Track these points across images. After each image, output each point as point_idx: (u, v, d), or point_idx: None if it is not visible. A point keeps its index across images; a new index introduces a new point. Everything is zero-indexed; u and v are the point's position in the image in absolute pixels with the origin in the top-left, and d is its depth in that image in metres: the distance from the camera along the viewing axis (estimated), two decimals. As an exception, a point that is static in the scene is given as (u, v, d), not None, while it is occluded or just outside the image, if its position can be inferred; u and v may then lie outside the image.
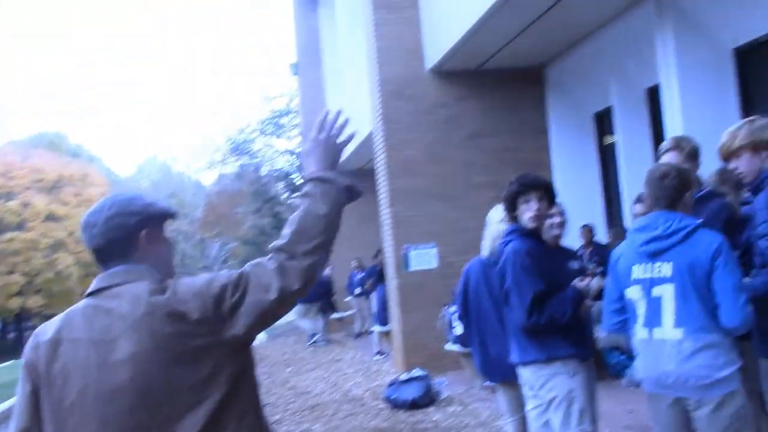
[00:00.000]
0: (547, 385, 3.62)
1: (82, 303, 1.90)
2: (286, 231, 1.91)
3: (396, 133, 9.78)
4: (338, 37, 16.11)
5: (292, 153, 25.77)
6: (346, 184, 2.01)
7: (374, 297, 12.55)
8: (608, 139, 9.76)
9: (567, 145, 10.01)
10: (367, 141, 11.89)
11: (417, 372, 7.77)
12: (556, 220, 3.91)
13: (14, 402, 1.95)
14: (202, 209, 38.76)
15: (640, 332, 3.20)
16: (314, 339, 14.95)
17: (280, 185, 26.48)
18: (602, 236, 9.45)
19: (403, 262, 9.59)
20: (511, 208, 3.76)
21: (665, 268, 3.09)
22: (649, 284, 3.14)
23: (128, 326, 1.78)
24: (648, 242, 3.14)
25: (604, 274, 3.60)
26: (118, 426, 1.74)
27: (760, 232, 3.09)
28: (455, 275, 8.70)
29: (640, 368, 3.28)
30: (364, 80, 11.21)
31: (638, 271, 3.19)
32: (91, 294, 1.90)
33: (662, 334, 3.09)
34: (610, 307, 3.36)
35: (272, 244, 1.92)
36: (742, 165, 3.31)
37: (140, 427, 1.74)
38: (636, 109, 8.59)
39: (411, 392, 7.48)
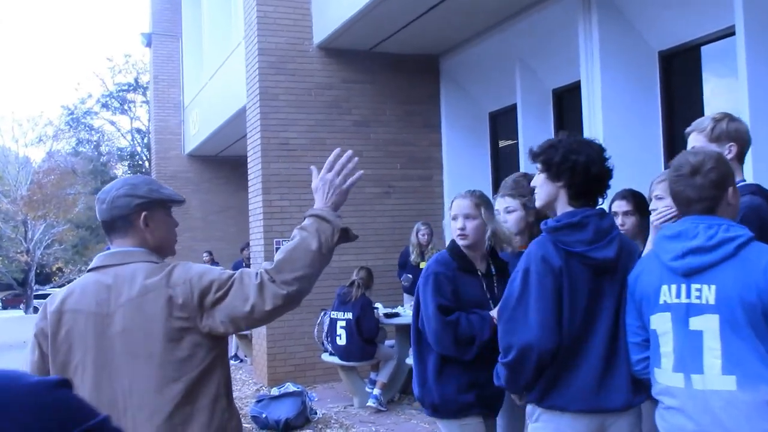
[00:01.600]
0: None
1: (84, 277, 2.16)
2: (277, 257, 2.10)
3: (274, 111, 8.62)
4: (204, 4, 14.65)
5: (139, 132, 23.64)
6: (342, 227, 2.17)
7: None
8: (506, 141, 9.16)
9: (459, 144, 9.30)
10: (238, 118, 10.66)
11: (290, 387, 6.66)
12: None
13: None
14: (27, 187, 35.09)
15: (668, 378, 2.32)
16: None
17: (123, 166, 24.21)
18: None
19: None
20: None
21: (707, 293, 2.24)
22: (684, 313, 2.27)
23: (123, 303, 2.04)
24: (683, 255, 2.28)
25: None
26: (109, 390, 2.00)
27: None
28: (335, 276, 7.80)
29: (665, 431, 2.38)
30: (240, 51, 9.97)
31: (668, 294, 2.34)
32: (92, 270, 2.14)
33: (705, 383, 2.22)
34: (630, 339, 2.51)
35: (264, 264, 2.09)
36: None
37: (125, 392, 2.00)
38: (542, 110, 8.01)
39: (283, 411, 6.36)
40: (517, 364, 2.49)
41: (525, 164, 7.88)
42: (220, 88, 12.74)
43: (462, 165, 9.24)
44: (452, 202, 3.36)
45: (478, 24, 8.13)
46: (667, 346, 2.31)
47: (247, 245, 10.59)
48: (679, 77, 6.55)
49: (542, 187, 2.59)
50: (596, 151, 2.55)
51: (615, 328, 2.50)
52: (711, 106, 6.30)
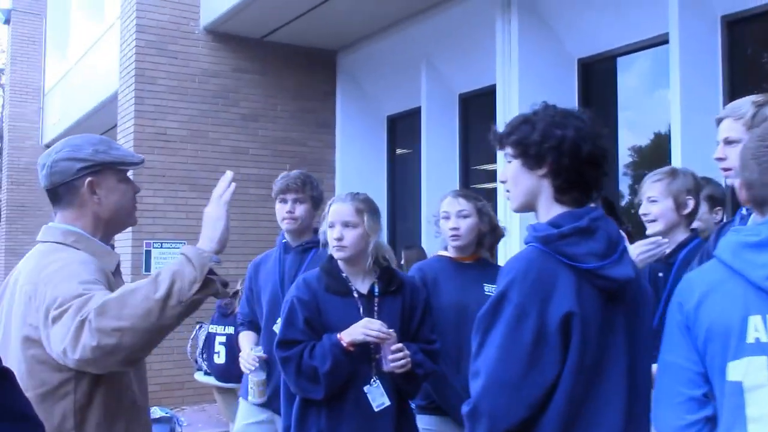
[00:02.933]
0: None
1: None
2: (112, 295, 1.68)
3: (151, 97, 7.65)
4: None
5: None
6: (207, 278, 1.71)
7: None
8: (406, 147, 8.62)
9: (355, 147, 8.66)
10: (108, 106, 9.57)
11: (158, 411, 5.72)
12: None
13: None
14: None
15: None
16: None
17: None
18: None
19: (144, 262, 7.44)
20: None
21: None
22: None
23: (15, 291, 1.84)
24: None
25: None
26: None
27: None
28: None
29: None
30: (115, 32, 8.92)
31: (763, 330, 1.56)
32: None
33: None
34: (677, 392, 1.68)
35: (100, 296, 1.69)
36: None
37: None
38: (447, 116, 7.53)
39: (147, 440, 5.43)
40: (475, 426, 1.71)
41: (427, 173, 7.37)
42: (88, 72, 11.51)
43: (356, 170, 8.60)
44: (329, 206, 2.77)
45: (382, 19, 7.55)
46: (759, 406, 1.55)
47: (112, 248, 9.45)
48: (597, 86, 6.24)
49: (517, 180, 1.83)
50: (587, 124, 1.80)
51: (631, 377, 1.75)
52: (625, 117, 6.06)
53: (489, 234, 3.00)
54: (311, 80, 8.57)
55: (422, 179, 7.45)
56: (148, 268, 7.41)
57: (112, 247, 8.76)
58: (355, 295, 2.69)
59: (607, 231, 1.76)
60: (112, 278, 1.95)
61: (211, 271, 1.76)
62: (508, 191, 1.89)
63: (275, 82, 8.34)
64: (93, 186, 1.91)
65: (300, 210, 3.33)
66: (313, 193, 3.39)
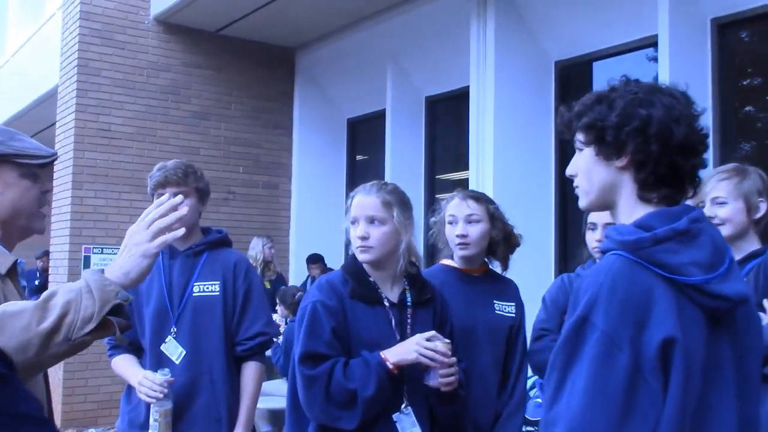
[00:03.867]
0: None
1: None
2: None
3: (94, 90, 7.07)
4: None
5: None
6: (106, 318, 1.39)
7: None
8: (368, 152, 8.21)
9: (314, 151, 8.20)
10: (46, 102, 8.92)
11: (93, 435, 5.18)
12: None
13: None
14: None
15: None
16: None
17: None
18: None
19: (82, 269, 6.82)
20: None
21: None
22: None
23: None
24: None
25: None
26: None
27: None
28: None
29: None
30: (56, 23, 8.31)
31: None
32: None
33: None
34: None
35: None
36: None
37: None
38: (413, 119, 7.15)
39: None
40: None
41: (390, 180, 6.96)
42: (24, 67, 10.79)
43: (315, 175, 8.15)
44: (351, 198, 2.32)
45: (346, 15, 7.14)
46: None
47: (46, 253, 8.75)
48: (575, 89, 5.94)
49: (590, 172, 1.45)
50: (680, 101, 1.40)
51: (741, 427, 1.36)
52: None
53: (502, 243, 2.59)
54: (268, 79, 8.09)
55: (386, 185, 7.05)
56: (86, 276, 6.81)
57: (47, 253, 8.06)
58: (386, 303, 2.26)
59: (712, 236, 1.36)
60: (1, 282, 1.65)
61: (114, 309, 1.41)
62: (577, 186, 1.48)
63: (230, 79, 7.84)
64: None
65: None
66: (198, 184, 2.85)
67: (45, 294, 1.43)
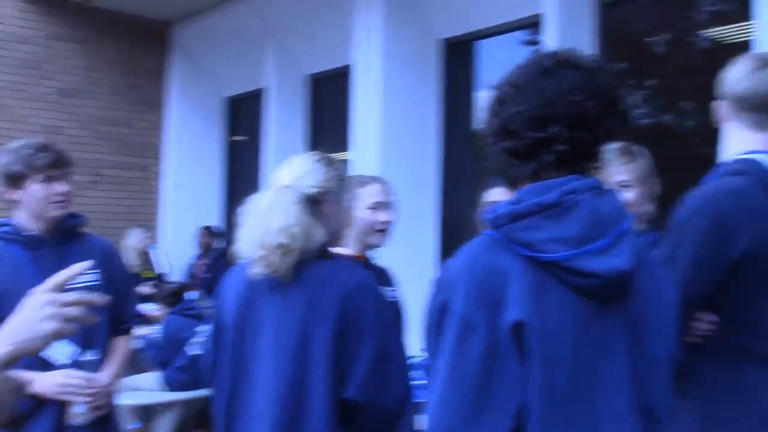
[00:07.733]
0: None
1: None
2: None
3: (-56, 64, 6.47)
4: None
5: None
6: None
7: None
8: (247, 132, 7.96)
9: (187, 131, 7.84)
10: None
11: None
12: None
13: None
14: None
15: None
16: None
17: None
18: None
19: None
20: None
21: None
22: None
23: None
24: None
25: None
26: None
27: None
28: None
29: None
30: None
31: None
32: None
33: None
34: None
35: None
36: None
37: None
38: (295, 98, 6.98)
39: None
40: None
41: (270, 160, 6.79)
42: None
43: (188, 155, 7.80)
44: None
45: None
46: None
47: None
48: (459, 67, 5.95)
49: None
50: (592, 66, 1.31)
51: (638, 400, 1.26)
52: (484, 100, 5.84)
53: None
54: (140, 53, 7.66)
55: (264, 167, 6.85)
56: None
57: None
58: None
59: (594, 208, 1.25)
60: None
61: None
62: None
63: (98, 53, 7.37)
64: None
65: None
66: None
67: None
